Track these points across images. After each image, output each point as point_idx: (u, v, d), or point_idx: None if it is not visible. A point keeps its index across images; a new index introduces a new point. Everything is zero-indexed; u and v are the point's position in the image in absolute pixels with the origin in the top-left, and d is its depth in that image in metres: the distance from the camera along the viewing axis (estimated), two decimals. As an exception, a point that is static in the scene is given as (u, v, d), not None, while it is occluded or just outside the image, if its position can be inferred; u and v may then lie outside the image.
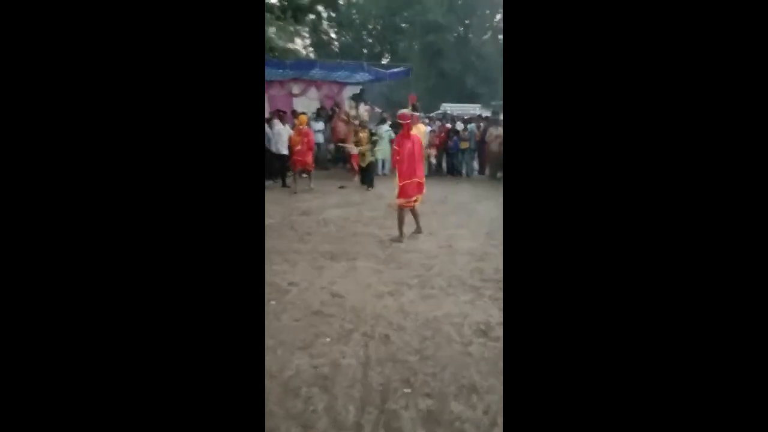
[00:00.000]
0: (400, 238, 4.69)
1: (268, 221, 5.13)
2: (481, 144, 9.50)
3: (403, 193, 4.63)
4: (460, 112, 15.02)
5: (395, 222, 4.86)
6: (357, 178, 8.45)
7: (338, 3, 10.69)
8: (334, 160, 10.22)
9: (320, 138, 9.62)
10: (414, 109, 5.93)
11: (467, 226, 5.34)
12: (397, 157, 4.69)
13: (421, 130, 5.82)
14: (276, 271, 3.67)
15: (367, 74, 10.30)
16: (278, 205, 6.22)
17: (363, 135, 7.93)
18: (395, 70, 10.98)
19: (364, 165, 7.81)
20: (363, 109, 10.06)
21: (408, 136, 4.66)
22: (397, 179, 4.72)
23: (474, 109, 18.09)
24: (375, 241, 4.64)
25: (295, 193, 7.21)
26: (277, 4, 10.39)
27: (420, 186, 4.69)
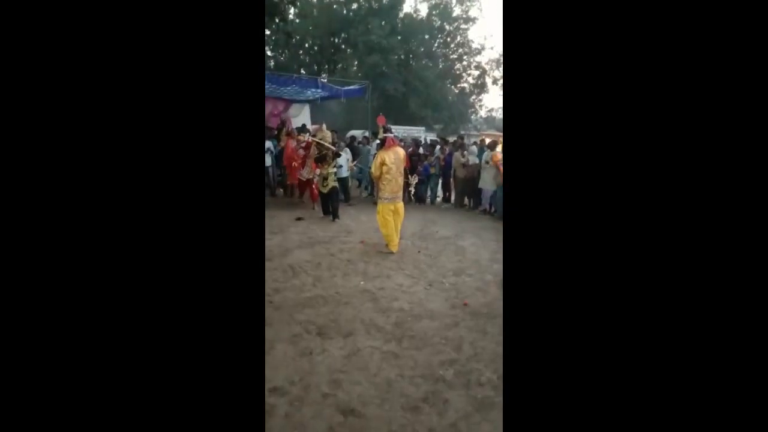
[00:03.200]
0: (389, 248, 4.93)
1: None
2: (446, 169, 8.81)
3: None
4: (404, 134, 14.55)
5: (377, 267, 4.45)
6: (315, 207, 7.32)
7: (288, 16, 9.52)
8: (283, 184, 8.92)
9: (268, 160, 8.34)
10: (385, 129, 5.12)
11: (468, 271, 4.44)
12: (387, 175, 4.86)
13: (399, 154, 5.09)
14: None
15: (320, 90, 9.27)
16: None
17: (327, 150, 6.77)
18: (351, 87, 10.07)
19: (325, 191, 6.66)
20: (316, 128, 8.90)
21: (391, 148, 4.93)
22: (381, 193, 4.94)
23: (418, 131, 17.78)
24: (368, 299, 3.57)
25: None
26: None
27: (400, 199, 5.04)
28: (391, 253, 4.95)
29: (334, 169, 6.73)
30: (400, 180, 5.02)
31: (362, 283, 3.96)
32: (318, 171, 6.69)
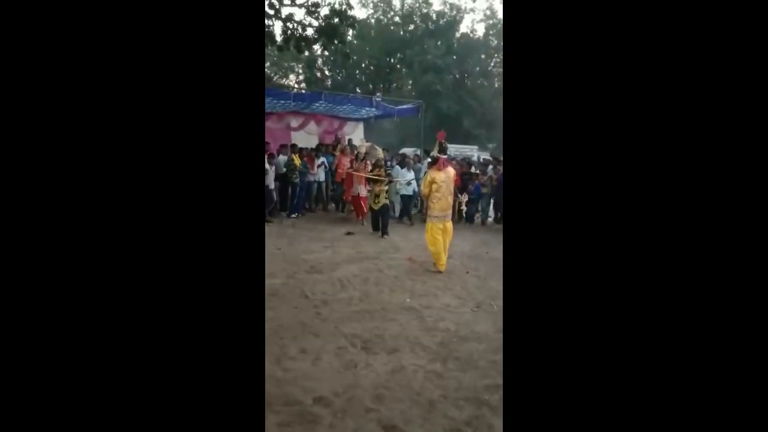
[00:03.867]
0: (437, 267, 4.92)
1: (270, 282, 4.01)
2: (498, 189, 8.66)
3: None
4: (457, 153, 14.48)
5: (424, 285, 4.47)
6: (365, 223, 7.45)
7: (345, 37, 9.92)
8: (335, 199, 9.16)
9: (322, 175, 8.61)
10: (441, 148, 5.12)
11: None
12: (436, 193, 4.86)
13: (450, 173, 5.12)
14: (290, 369, 2.56)
15: (374, 109, 9.51)
16: (278, 256, 5.11)
17: (380, 173, 6.92)
18: (404, 106, 10.25)
19: (376, 208, 6.77)
20: (369, 146, 9.12)
21: (442, 169, 4.94)
22: (430, 211, 4.97)
23: (471, 150, 17.66)
24: (413, 317, 3.57)
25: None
26: (280, 33, 9.62)
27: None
28: (439, 272, 4.92)
29: (386, 187, 6.83)
30: (450, 199, 5.05)
31: (408, 300, 3.96)
32: (369, 188, 6.82)
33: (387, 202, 6.86)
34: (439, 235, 4.96)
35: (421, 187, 5.19)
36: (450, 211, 5.08)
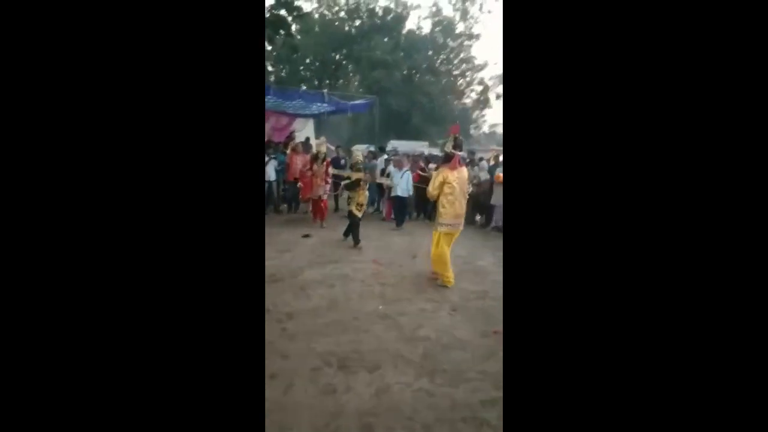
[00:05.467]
0: (448, 279, 4.29)
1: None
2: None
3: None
4: (407, 149, 14.38)
5: (395, 289, 4.13)
6: (323, 225, 7.04)
7: (291, 29, 9.40)
8: (287, 200, 8.64)
9: (273, 175, 8.09)
10: (456, 143, 4.21)
11: (491, 294, 4.17)
12: (449, 195, 4.12)
13: (464, 174, 4.28)
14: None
15: (325, 105, 9.08)
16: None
17: (361, 176, 5.91)
18: (358, 102, 9.89)
19: (360, 215, 5.90)
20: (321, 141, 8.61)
21: (456, 168, 4.16)
22: (441, 218, 4.20)
23: (422, 146, 17.63)
24: (390, 326, 3.28)
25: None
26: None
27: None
28: (445, 287, 4.25)
29: (367, 192, 6.12)
30: (464, 203, 4.26)
31: (381, 307, 3.67)
32: (349, 194, 5.93)
33: (362, 209, 6.01)
34: (448, 247, 4.24)
35: (429, 188, 4.27)
36: (463, 219, 4.30)
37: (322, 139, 7.32)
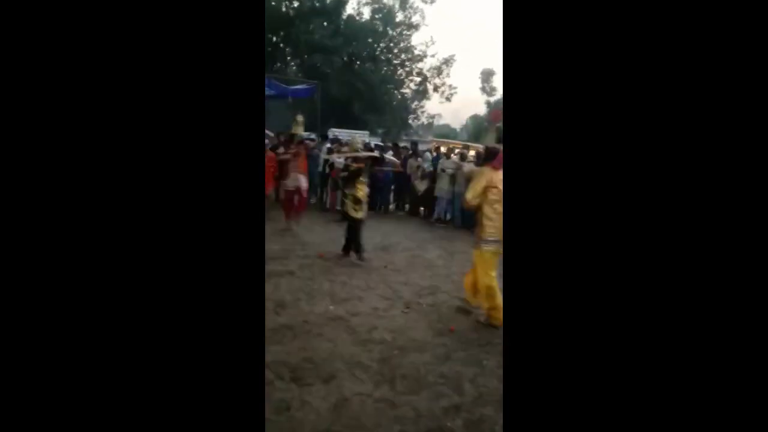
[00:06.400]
0: (496, 317, 3.25)
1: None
2: (400, 176, 8.50)
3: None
4: (347, 137, 14.13)
5: (345, 287, 3.87)
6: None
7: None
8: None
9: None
10: (499, 136, 3.43)
11: (442, 289, 4.13)
12: (496, 205, 3.17)
13: (500, 177, 3.19)
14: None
15: (266, 89, 8.57)
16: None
17: (362, 165, 4.76)
18: (299, 87, 9.44)
19: (358, 217, 4.67)
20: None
21: (499, 168, 3.15)
22: (484, 233, 3.24)
23: (363, 135, 17.42)
24: (342, 329, 3.10)
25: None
26: None
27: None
28: (493, 326, 3.27)
29: (368, 190, 4.84)
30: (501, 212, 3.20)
31: (332, 308, 3.49)
32: (348, 191, 4.77)
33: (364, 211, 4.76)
34: (494, 272, 3.22)
35: (468, 195, 3.27)
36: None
37: (300, 118, 6.04)
